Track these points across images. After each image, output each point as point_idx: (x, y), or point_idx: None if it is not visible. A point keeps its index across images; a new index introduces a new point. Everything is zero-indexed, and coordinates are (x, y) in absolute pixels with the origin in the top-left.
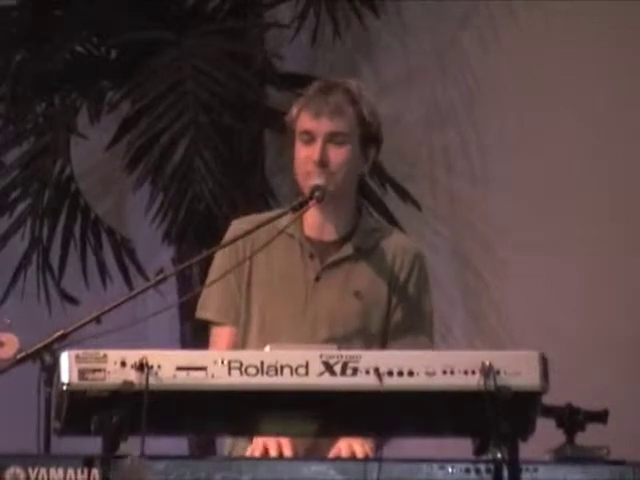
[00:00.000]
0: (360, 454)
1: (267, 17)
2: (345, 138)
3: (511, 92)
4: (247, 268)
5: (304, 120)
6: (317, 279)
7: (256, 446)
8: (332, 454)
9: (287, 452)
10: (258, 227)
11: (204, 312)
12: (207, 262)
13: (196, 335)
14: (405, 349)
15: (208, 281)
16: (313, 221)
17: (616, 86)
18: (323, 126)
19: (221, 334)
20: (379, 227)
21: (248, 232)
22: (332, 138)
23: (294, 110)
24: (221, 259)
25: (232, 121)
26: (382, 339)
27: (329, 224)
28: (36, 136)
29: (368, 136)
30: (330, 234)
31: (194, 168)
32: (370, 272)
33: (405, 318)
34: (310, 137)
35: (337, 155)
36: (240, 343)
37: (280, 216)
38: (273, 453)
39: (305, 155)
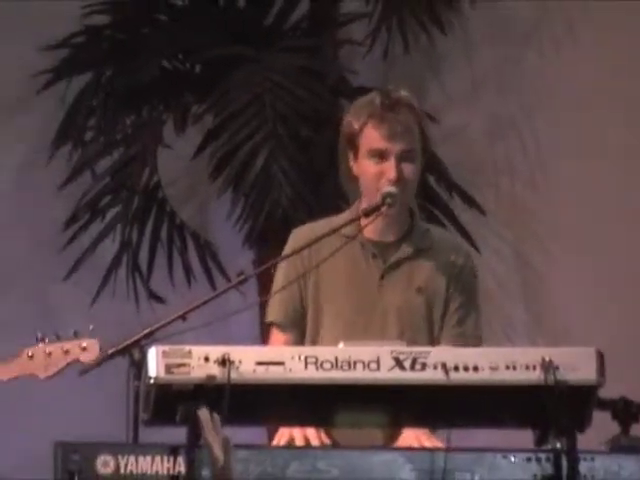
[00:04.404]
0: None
1: (341, 34)
2: (415, 154)
3: (569, 103)
4: (313, 273)
5: (375, 139)
6: (382, 277)
7: (282, 436)
8: (399, 444)
9: (314, 441)
10: (322, 237)
11: (267, 317)
12: None
13: None
14: (457, 337)
15: (273, 289)
16: (373, 224)
17: None
18: (397, 146)
19: (276, 339)
20: (430, 228)
21: (312, 242)
22: (404, 155)
23: (354, 123)
24: (285, 267)
25: (308, 132)
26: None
27: (388, 226)
28: (125, 146)
29: (426, 147)
30: (389, 235)
31: (273, 176)
32: (429, 269)
33: (459, 308)
34: (382, 155)
35: (409, 171)
36: (311, 341)
37: (347, 223)
38: (299, 443)
39: (378, 172)
